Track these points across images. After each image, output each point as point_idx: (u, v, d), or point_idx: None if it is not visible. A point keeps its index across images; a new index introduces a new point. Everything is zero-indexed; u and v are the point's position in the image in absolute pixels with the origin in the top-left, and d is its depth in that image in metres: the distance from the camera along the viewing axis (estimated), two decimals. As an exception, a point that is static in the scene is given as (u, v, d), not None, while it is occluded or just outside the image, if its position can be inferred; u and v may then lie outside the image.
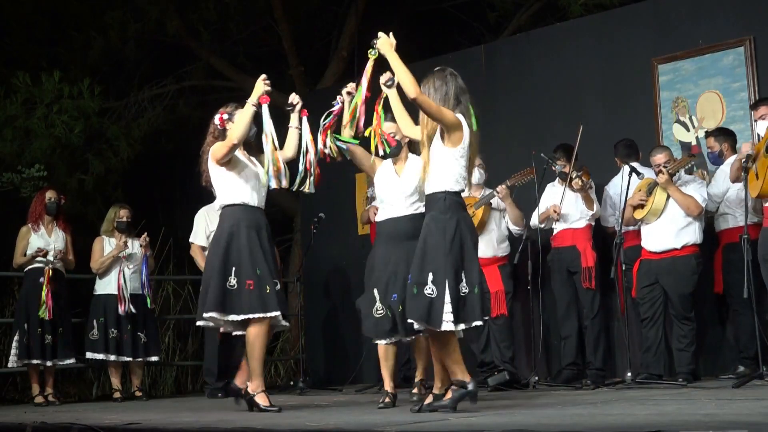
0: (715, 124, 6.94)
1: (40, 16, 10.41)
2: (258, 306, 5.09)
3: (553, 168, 6.82)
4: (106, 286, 7.54)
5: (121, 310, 7.38)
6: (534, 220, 6.85)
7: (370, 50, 4.86)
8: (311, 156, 5.41)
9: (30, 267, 7.36)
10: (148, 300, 7.59)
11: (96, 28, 10.34)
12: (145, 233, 7.70)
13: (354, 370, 8.33)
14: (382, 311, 5.26)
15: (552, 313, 7.01)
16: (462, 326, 4.43)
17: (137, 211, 7.86)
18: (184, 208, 7.82)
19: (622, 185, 6.37)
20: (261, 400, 5.09)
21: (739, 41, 6.86)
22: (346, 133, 5.36)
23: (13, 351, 7.26)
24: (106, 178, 10.26)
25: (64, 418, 5.12)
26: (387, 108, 5.10)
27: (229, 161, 5.29)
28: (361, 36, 10.93)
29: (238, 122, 5.27)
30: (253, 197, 5.36)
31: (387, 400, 5.28)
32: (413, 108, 4.68)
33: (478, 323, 4.47)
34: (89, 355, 7.45)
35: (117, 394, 7.49)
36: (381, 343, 5.35)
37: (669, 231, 6.32)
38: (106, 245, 7.60)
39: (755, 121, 6.18)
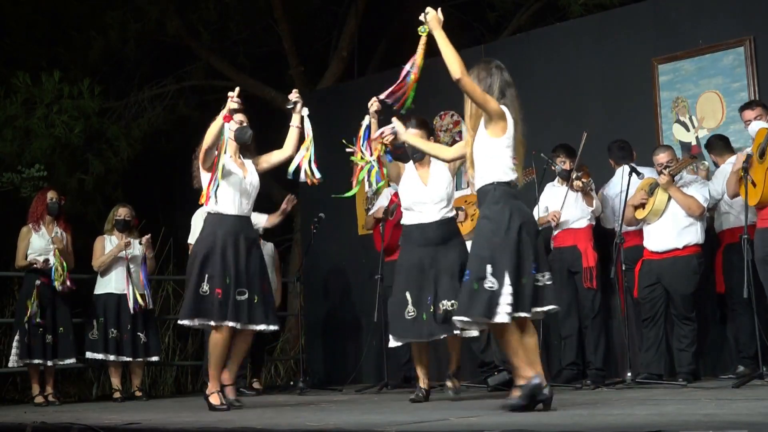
0: (715, 124, 6.95)
1: (40, 16, 10.42)
2: (219, 314, 5.27)
3: (553, 168, 6.82)
4: (106, 285, 7.54)
5: (131, 305, 7.38)
6: (532, 224, 6.83)
7: (421, 27, 4.72)
8: (309, 155, 5.42)
9: (30, 268, 7.36)
10: (148, 299, 7.57)
11: (96, 28, 10.35)
12: (149, 235, 7.69)
13: (354, 370, 8.34)
14: (413, 313, 5.45)
15: (552, 313, 6.99)
16: (522, 314, 4.29)
17: (137, 211, 7.86)
18: (185, 208, 7.81)
19: (622, 185, 6.37)
20: (213, 400, 5.34)
21: (739, 41, 6.86)
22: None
23: (14, 351, 7.25)
24: (106, 178, 10.26)
25: (64, 418, 5.12)
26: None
27: (211, 167, 5.36)
28: (361, 36, 10.95)
29: (208, 131, 5.32)
30: (233, 206, 5.43)
31: (420, 395, 5.56)
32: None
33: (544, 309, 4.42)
34: (89, 355, 7.44)
35: (117, 394, 7.49)
36: (405, 342, 5.57)
37: (670, 231, 6.32)
38: (107, 244, 7.60)
39: (747, 122, 6.17)
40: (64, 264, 7.25)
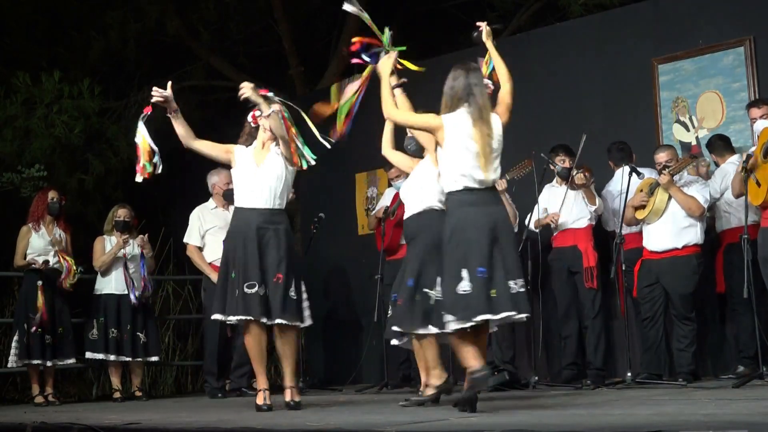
0: (715, 124, 6.95)
1: (40, 16, 10.40)
2: (231, 309, 5.23)
3: (553, 168, 6.81)
4: (106, 285, 7.54)
5: (132, 298, 7.38)
6: (531, 225, 6.84)
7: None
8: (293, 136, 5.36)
9: (30, 268, 7.36)
10: (149, 291, 7.58)
11: (96, 28, 10.33)
12: (146, 234, 7.69)
13: (354, 370, 8.34)
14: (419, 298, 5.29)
15: (552, 313, 7.01)
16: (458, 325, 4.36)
17: (137, 211, 7.86)
18: (184, 208, 7.81)
19: (622, 185, 6.37)
20: (257, 399, 5.23)
21: (739, 41, 6.86)
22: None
23: (13, 351, 7.25)
24: (106, 178, 10.24)
25: (64, 418, 5.12)
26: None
27: (230, 162, 5.46)
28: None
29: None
30: (245, 199, 5.39)
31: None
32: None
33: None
34: (89, 354, 7.44)
35: (117, 394, 7.49)
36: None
37: (670, 231, 6.32)
38: (107, 244, 7.60)
39: (752, 120, 6.19)
40: (71, 261, 7.26)
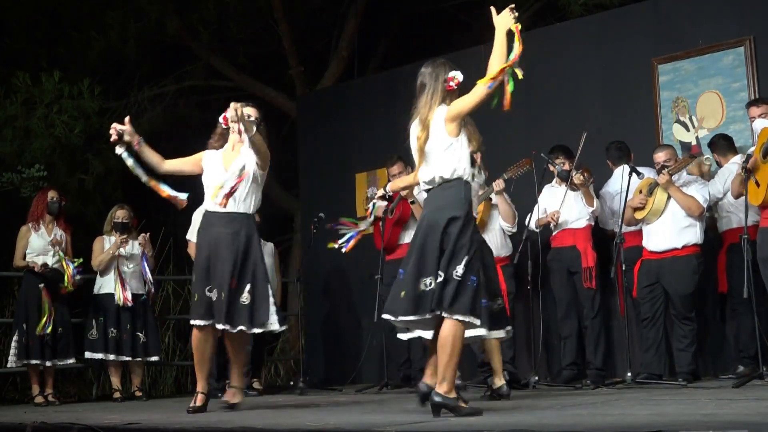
0: (715, 124, 6.95)
1: (40, 16, 10.41)
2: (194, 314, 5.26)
3: (552, 168, 6.81)
4: (105, 285, 7.54)
5: (123, 300, 7.37)
6: (531, 224, 6.84)
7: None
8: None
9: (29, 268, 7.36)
10: (151, 289, 7.58)
11: (96, 28, 10.34)
12: (148, 233, 7.69)
13: (354, 370, 8.34)
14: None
15: (552, 313, 7.01)
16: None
17: (137, 211, 7.85)
18: (184, 208, 7.81)
19: (621, 185, 6.37)
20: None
21: (739, 41, 6.87)
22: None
23: (13, 351, 7.25)
24: (106, 178, 10.25)
25: (64, 418, 5.12)
26: None
27: (201, 171, 5.50)
28: (361, 36, 10.95)
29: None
30: (209, 202, 5.40)
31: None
32: None
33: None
34: (88, 354, 7.44)
35: (117, 394, 7.48)
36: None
37: (670, 231, 6.32)
38: (106, 244, 7.60)
39: (752, 119, 6.19)
40: (70, 270, 7.25)
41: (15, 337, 7.26)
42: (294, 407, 5.53)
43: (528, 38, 8.26)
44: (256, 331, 5.29)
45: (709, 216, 6.51)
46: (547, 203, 6.89)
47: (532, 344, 7.13)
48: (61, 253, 7.29)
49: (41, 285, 7.21)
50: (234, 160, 5.34)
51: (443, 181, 4.36)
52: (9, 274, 8.04)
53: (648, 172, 6.54)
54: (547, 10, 10.31)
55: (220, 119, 5.47)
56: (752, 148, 5.99)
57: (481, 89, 4.33)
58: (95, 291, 7.59)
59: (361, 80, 10.11)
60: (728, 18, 6.99)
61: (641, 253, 6.48)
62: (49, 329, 7.11)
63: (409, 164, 6.89)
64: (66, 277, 7.20)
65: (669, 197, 6.32)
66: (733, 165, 6.39)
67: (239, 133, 5.03)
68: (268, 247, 7.94)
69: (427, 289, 4.21)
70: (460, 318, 4.15)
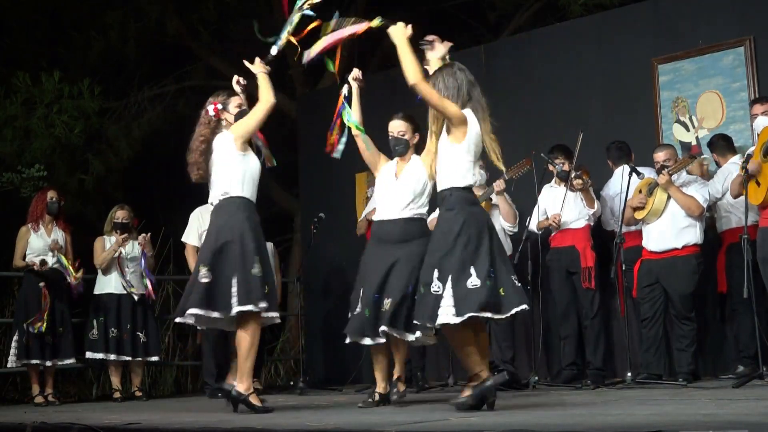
0: (715, 124, 6.95)
1: (40, 16, 10.41)
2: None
3: (552, 168, 6.80)
4: (106, 285, 7.54)
5: (135, 294, 7.37)
6: (532, 226, 6.84)
7: (376, 20, 4.71)
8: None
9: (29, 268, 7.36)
10: (151, 289, 7.58)
11: (96, 28, 10.34)
12: (149, 234, 7.69)
13: (354, 370, 8.33)
14: (359, 310, 5.30)
15: (552, 313, 7.01)
16: (459, 319, 4.30)
17: (137, 211, 7.85)
18: (184, 208, 7.81)
19: (621, 185, 6.37)
20: (256, 401, 5.02)
21: (739, 41, 6.87)
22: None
23: (13, 351, 7.25)
24: (106, 178, 10.26)
25: (64, 418, 5.12)
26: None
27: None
28: (361, 36, 10.92)
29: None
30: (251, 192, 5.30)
31: (371, 400, 5.31)
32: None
33: (473, 314, 4.30)
34: (89, 354, 7.44)
35: (117, 394, 7.49)
36: (353, 341, 5.37)
37: (670, 231, 6.32)
38: (107, 244, 7.60)
39: (754, 116, 6.19)
40: (72, 270, 7.27)
41: (15, 337, 7.26)
42: (294, 407, 5.53)
43: (528, 38, 8.34)
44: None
45: (708, 216, 6.51)
46: (546, 203, 6.89)
47: (532, 344, 7.13)
48: (61, 257, 7.29)
49: (41, 284, 7.21)
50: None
51: None
52: (9, 274, 8.04)
53: (648, 172, 6.54)
54: (547, 10, 10.31)
55: (211, 111, 5.28)
56: (752, 148, 5.99)
57: None
58: (96, 291, 7.59)
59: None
60: (728, 18, 6.99)
61: (641, 253, 6.48)
62: (44, 328, 7.10)
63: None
64: (71, 270, 7.22)
65: (669, 197, 6.32)
66: (731, 165, 6.39)
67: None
68: (269, 247, 7.92)
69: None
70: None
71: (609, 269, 6.48)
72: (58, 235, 7.48)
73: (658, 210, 6.36)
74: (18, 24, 10.38)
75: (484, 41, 9.78)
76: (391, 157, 5.53)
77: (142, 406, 6.77)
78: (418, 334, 4.91)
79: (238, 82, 5.50)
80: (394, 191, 5.36)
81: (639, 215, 6.44)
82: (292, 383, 8.16)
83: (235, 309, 4.87)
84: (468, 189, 4.52)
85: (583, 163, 6.68)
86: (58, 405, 7.19)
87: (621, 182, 6.41)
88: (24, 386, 8.45)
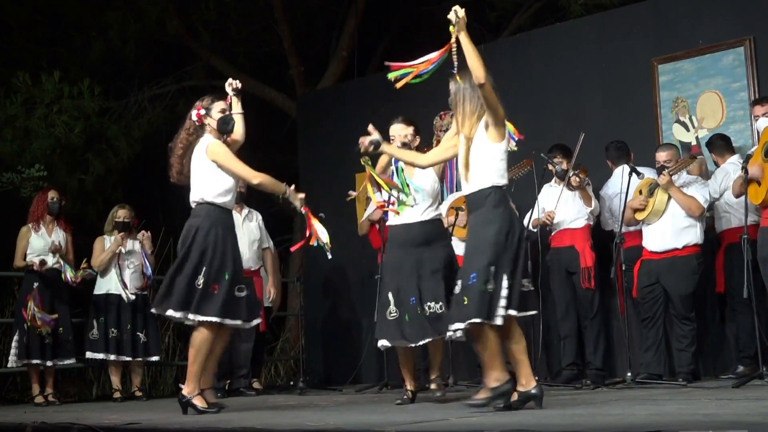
0: (715, 124, 6.95)
1: (40, 16, 10.41)
2: (219, 311, 5.09)
3: (552, 168, 6.80)
4: (106, 285, 7.54)
5: (124, 295, 7.37)
6: (529, 224, 6.83)
7: (451, 27, 4.63)
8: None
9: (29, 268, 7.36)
10: (151, 279, 7.59)
11: (96, 28, 10.34)
12: (148, 232, 7.69)
13: (354, 370, 8.33)
14: (395, 314, 5.33)
15: (552, 313, 7.00)
16: (512, 312, 4.34)
17: (137, 211, 7.85)
18: (184, 208, 7.80)
19: (621, 185, 6.37)
20: (199, 402, 5.10)
21: (739, 41, 6.86)
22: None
23: (13, 351, 7.26)
24: (106, 178, 10.25)
25: (64, 418, 5.12)
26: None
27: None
28: (361, 36, 10.94)
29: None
30: (230, 199, 5.37)
31: (405, 397, 5.45)
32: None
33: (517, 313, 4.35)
34: (89, 354, 7.44)
35: (117, 394, 7.49)
36: (392, 345, 5.39)
37: (670, 231, 6.32)
38: (107, 244, 7.60)
39: (755, 117, 6.19)
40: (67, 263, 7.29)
41: (15, 337, 7.27)
42: (294, 407, 5.53)
43: (528, 38, 8.33)
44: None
45: (708, 216, 6.51)
46: (545, 203, 6.89)
47: (531, 344, 7.10)
48: (62, 260, 7.30)
49: (35, 284, 7.20)
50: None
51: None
52: (9, 274, 8.04)
53: (648, 172, 6.54)
54: (547, 10, 10.30)
55: (194, 117, 5.33)
56: (753, 148, 5.99)
57: None
58: (96, 291, 7.58)
59: (361, 80, 10.10)
60: (728, 18, 6.99)
61: (641, 253, 6.48)
62: (45, 332, 7.12)
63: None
64: (70, 270, 7.23)
65: (669, 197, 6.31)
66: (730, 165, 6.39)
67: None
68: (257, 217, 7.89)
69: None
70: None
71: (609, 269, 6.48)
72: (59, 235, 7.48)
73: (659, 210, 6.35)
74: (18, 24, 10.38)
75: (484, 41, 9.78)
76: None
77: (142, 406, 6.76)
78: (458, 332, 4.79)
79: (230, 84, 5.48)
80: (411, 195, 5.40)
81: (640, 216, 6.44)
82: (292, 383, 8.16)
83: (168, 312, 5.14)
84: (504, 188, 4.55)
85: (583, 162, 6.68)
86: (58, 405, 7.19)
87: (620, 182, 6.41)
88: (24, 386, 8.45)
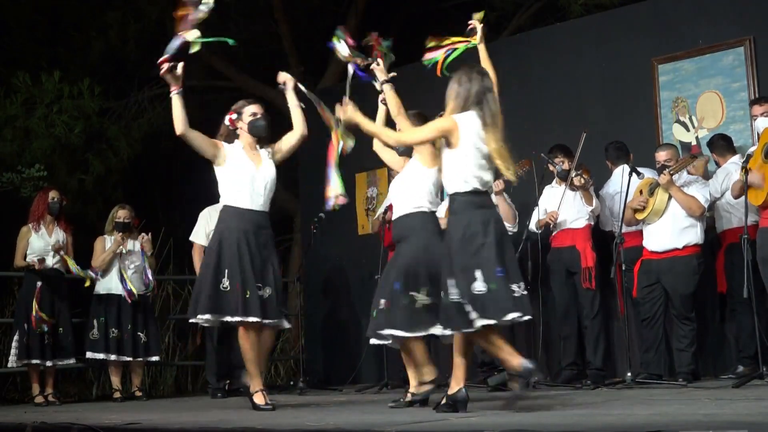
0: (715, 124, 6.95)
1: (40, 16, 10.41)
2: (240, 310, 5.12)
3: (552, 168, 6.80)
4: (106, 285, 7.54)
5: (125, 294, 7.37)
6: (532, 225, 6.84)
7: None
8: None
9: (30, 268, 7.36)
10: (151, 287, 7.59)
11: (96, 28, 10.34)
12: (149, 234, 7.69)
13: (354, 370, 8.34)
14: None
15: (552, 313, 7.01)
16: (484, 322, 4.28)
17: (137, 211, 7.85)
18: (184, 208, 7.82)
19: (621, 185, 6.37)
20: (257, 399, 5.15)
21: (739, 41, 6.87)
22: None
23: (13, 351, 7.26)
24: (106, 178, 10.25)
25: (64, 418, 5.12)
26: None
27: (215, 158, 5.40)
28: (361, 36, 10.93)
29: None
30: (247, 200, 5.33)
31: (401, 399, 5.30)
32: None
33: (491, 322, 4.28)
34: (89, 354, 7.44)
35: (117, 394, 7.49)
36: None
37: (670, 231, 6.32)
38: (107, 244, 7.60)
39: (753, 117, 6.19)
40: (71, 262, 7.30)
41: (15, 337, 7.27)
42: (294, 407, 5.53)
43: (528, 38, 8.34)
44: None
45: (709, 216, 6.51)
46: (547, 204, 6.89)
47: (532, 344, 7.13)
48: (68, 259, 7.31)
49: (39, 284, 7.20)
50: (261, 159, 5.52)
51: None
52: (9, 274, 8.05)
53: (648, 172, 6.54)
54: (547, 10, 10.31)
55: (226, 121, 5.50)
56: (752, 148, 5.99)
57: None
58: (96, 291, 7.58)
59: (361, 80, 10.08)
60: (728, 18, 6.99)
61: (641, 253, 6.48)
62: (46, 328, 7.12)
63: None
64: (73, 268, 7.25)
65: (670, 197, 6.31)
66: (731, 165, 6.39)
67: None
68: None
69: (525, 293, 4.41)
70: None
71: (609, 269, 6.48)
72: (59, 235, 7.48)
73: (660, 210, 6.35)
74: (18, 24, 10.38)
75: (484, 41, 9.77)
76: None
77: (142, 406, 6.77)
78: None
79: (280, 79, 5.74)
80: (395, 189, 5.49)
81: (640, 216, 6.44)
82: (292, 383, 8.16)
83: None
84: (471, 193, 4.49)
85: (583, 163, 6.68)
86: (58, 405, 7.19)
87: (620, 182, 6.41)
88: (24, 386, 8.46)
